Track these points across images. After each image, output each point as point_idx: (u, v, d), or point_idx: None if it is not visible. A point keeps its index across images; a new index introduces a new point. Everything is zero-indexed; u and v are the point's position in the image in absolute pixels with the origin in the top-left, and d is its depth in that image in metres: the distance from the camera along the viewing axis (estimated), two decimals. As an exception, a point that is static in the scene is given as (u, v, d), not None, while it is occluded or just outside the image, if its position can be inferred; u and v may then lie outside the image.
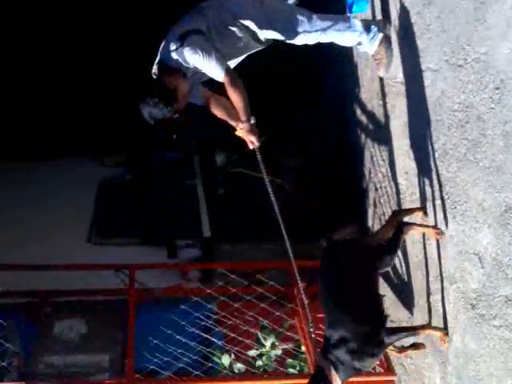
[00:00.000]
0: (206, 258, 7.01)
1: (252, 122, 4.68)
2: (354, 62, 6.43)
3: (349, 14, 5.63)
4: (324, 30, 5.03)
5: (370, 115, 6.07)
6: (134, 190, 8.33)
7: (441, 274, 4.56)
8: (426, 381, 5.04)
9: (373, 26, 5.20)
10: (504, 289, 3.71)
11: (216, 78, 4.70)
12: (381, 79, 5.61)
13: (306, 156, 6.88)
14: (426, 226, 4.69)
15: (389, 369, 5.37)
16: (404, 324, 5.34)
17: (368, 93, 6.06)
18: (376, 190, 5.98)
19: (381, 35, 5.20)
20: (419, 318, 5.04)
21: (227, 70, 4.64)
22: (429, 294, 4.82)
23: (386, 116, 5.59)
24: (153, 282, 6.13)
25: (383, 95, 5.64)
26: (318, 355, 4.32)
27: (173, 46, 4.61)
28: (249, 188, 6.68)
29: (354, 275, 4.42)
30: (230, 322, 5.55)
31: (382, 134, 5.73)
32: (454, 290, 4.35)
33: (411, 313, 5.20)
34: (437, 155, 4.52)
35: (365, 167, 6.29)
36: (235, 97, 4.66)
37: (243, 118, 4.68)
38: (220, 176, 7.68)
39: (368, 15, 5.70)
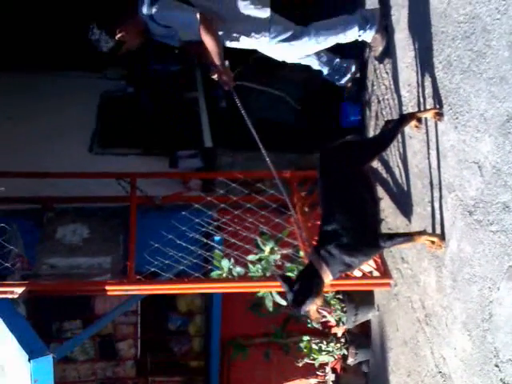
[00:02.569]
0: (207, 168, 7.08)
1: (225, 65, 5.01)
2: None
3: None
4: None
5: (375, 28, 6.02)
6: (135, 101, 8.33)
7: (440, 183, 4.63)
8: (421, 284, 5.15)
9: (369, 17, 5.62)
10: (502, 196, 3.77)
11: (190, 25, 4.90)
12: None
13: (310, 70, 6.82)
14: (426, 111, 4.75)
15: (385, 273, 5.47)
16: (401, 231, 5.43)
17: (373, 5, 6.00)
18: (378, 102, 5.99)
19: (376, 26, 5.59)
20: (417, 225, 5.14)
21: (201, 15, 4.85)
22: (427, 202, 4.90)
23: (391, 28, 5.56)
24: (154, 190, 6.19)
25: (388, 7, 5.60)
26: (311, 251, 4.37)
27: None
28: (251, 101, 6.68)
29: (349, 175, 4.47)
30: (230, 229, 5.63)
31: (386, 47, 5.71)
32: (453, 197, 4.42)
33: (409, 220, 5.30)
34: (440, 67, 4.53)
35: (367, 79, 6.29)
36: (208, 42, 4.87)
37: (217, 62, 4.98)
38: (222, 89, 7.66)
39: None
